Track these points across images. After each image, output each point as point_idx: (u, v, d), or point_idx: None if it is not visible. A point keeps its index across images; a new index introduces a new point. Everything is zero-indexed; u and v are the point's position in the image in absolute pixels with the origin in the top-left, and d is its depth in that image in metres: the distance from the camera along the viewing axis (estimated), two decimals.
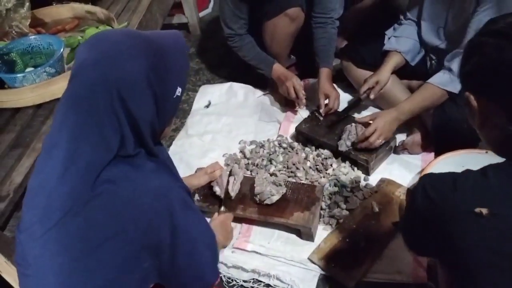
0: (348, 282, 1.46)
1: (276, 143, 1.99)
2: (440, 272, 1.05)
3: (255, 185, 1.64)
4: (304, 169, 1.83)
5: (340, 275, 1.49)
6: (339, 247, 1.56)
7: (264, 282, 1.53)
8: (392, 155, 1.90)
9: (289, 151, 1.94)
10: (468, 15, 1.66)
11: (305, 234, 1.60)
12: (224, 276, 1.56)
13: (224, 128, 2.15)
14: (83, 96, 0.90)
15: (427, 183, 0.89)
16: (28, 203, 0.94)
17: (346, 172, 1.82)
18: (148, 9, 2.13)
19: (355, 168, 1.85)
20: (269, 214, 1.61)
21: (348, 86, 2.19)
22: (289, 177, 1.81)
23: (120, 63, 0.91)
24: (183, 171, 1.73)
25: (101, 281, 0.90)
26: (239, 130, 2.13)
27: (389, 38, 1.98)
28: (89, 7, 2.05)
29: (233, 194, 1.65)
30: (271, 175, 1.79)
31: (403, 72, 1.97)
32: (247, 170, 1.88)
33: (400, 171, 1.83)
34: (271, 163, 1.89)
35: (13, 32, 1.79)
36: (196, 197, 1.70)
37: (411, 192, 1.65)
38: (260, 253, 1.59)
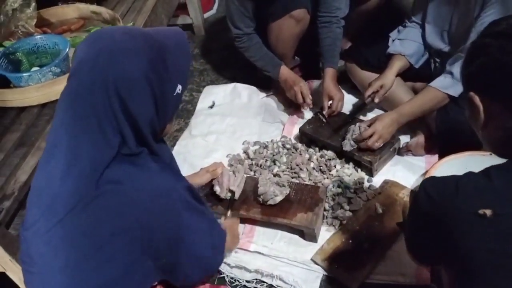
0: (351, 284, 1.46)
1: (279, 144, 1.99)
2: (444, 274, 1.05)
3: (258, 185, 1.64)
4: (307, 170, 1.83)
5: (343, 276, 1.49)
6: (342, 248, 1.56)
7: (267, 283, 1.52)
8: (396, 157, 1.90)
9: (292, 152, 1.94)
10: (472, 20, 1.66)
11: (308, 235, 1.60)
12: (227, 276, 1.56)
13: (228, 129, 2.15)
14: (82, 94, 0.90)
15: (429, 186, 0.89)
16: (32, 201, 0.94)
17: (350, 173, 1.82)
18: (153, 10, 2.14)
19: (359, 170, 1.84)
20: (272, 215, 1.61)
21: (352, 88, 2.18)
22: (292, 178, 1.81)
23: (119, 61, 0.89)
24: (187, 171, 1.73)
25: (106, 278, 0.90)
26: (243, 130, 2.13)
27: (393, 41, 1.98)
28: (94, 7, 2.06)
29: (237, 190, 1.65)
30: (274, 175, 1.79)
31: (407, 74, 1.97)
32: (251, 170, 1.88)
33: (404, 172, 1.83)
34: (274, 164, 1.89)
35: (19, 32, 1.80)
36: None
37: (413, 195, 1.64)
38: (263, 254, 1.59)
